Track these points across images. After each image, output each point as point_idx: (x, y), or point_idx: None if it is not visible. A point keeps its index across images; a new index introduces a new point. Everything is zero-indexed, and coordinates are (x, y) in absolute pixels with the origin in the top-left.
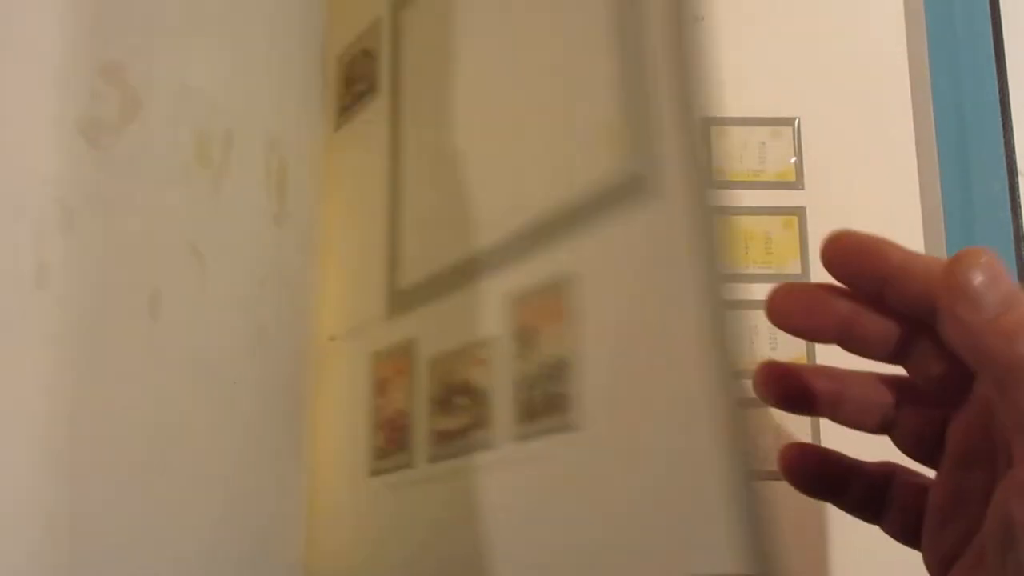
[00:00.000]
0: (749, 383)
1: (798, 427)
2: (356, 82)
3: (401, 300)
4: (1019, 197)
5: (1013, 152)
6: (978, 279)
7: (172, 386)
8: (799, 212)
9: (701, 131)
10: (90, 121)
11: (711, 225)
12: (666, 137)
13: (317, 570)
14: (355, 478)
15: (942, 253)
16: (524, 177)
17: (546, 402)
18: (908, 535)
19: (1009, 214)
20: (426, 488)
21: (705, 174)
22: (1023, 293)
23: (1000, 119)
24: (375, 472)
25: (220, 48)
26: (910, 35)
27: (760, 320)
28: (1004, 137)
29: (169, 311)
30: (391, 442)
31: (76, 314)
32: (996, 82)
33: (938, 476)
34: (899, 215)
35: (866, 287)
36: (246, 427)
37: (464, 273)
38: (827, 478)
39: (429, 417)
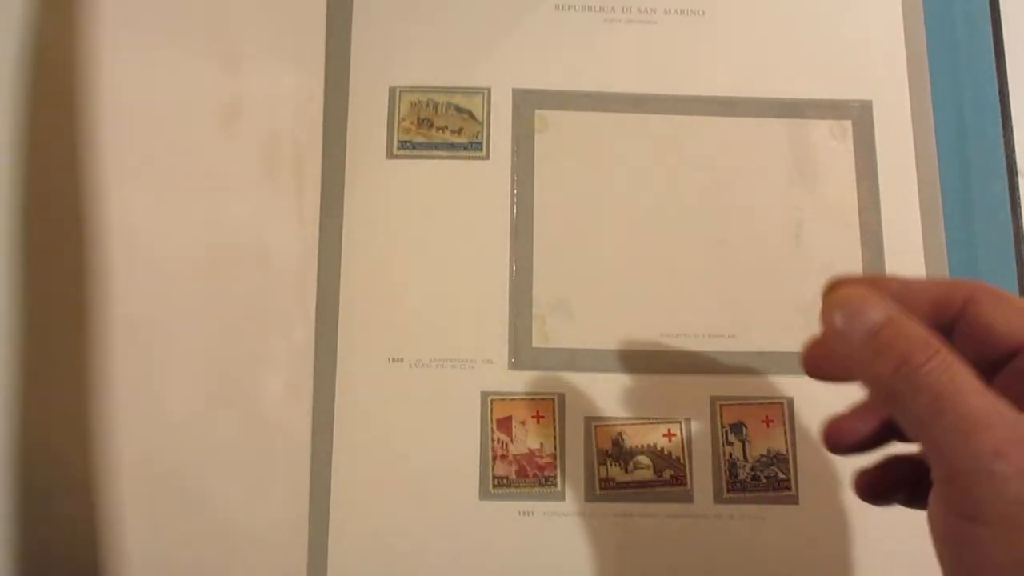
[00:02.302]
0: None
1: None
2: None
3: (538, 357)
4: (1019, 197)
5: (1013, 152)
6: (838, 320)
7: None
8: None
9: None
10: None
11: None
12: None
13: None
14: (457, 498)
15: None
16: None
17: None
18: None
19: (1009, 214)
20: (578, 520)
21: None
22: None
23: (1000, 119)
24: (491, 496)
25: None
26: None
27: None
28: (1004, 137)
29: None
30: (523, 474)
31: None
32: (996, 82)
33: None
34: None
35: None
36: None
37: (645, 360)
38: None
39: (595, 465)
